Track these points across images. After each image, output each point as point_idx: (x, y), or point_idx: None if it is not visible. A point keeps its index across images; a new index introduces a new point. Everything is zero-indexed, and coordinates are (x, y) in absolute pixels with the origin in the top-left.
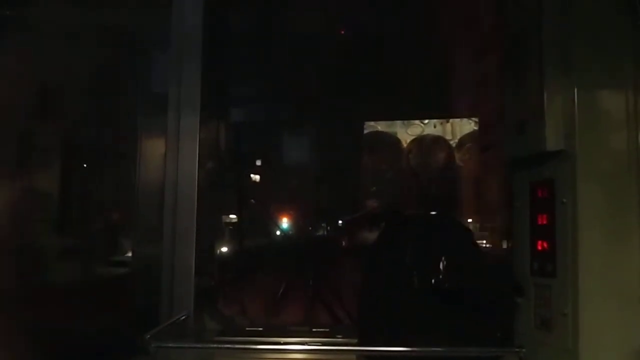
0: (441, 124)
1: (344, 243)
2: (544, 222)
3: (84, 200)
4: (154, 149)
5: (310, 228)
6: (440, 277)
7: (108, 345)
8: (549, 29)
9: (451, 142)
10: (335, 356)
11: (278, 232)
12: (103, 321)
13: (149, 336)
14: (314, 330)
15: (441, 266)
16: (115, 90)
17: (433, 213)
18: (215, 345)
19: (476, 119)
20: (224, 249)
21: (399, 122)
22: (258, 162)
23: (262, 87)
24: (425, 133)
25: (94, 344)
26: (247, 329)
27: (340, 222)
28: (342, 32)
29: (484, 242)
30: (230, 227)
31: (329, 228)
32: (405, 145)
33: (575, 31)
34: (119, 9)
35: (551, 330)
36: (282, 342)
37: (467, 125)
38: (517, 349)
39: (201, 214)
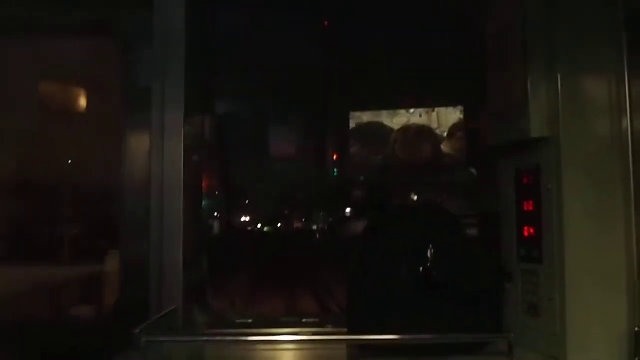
0: (427, 113)
1: (332, 234)
2: (530, 208)
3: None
4: (139, 144)
5: (297, 219)
6: (429, 264)
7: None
8: (532, 16)
9: (437, 131)
10: (325, 346)
11: (266, 224)
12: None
13: (138, 330)
14: (303, 320)
15: (429, 254)
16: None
17: (420, 201)
18: (205, 338)
19: (462, 108)
20: (212, 243)
21: (384, 112)
22: (244, 155)
23: (247, 79)
24: (411, 122)
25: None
26: (237, 321)
27: (328, 212)
28: (326, 23)
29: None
30: (218, 220)
31: (317, 219)
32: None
33: (558, 18)
34: (100, 3)
35: (539, 316)
36: (272, 333)
37: (452, 115)
38: (506, 335)
39: (188, 208)
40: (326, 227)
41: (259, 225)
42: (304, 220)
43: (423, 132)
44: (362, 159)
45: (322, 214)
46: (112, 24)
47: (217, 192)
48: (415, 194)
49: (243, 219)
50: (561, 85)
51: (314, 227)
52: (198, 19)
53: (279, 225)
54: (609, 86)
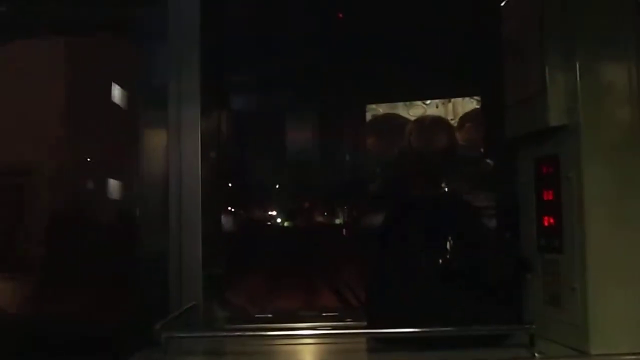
0: (443, 104)
1: (350, 227)
2: (550, 197)
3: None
4: (156, 141)
5: (315, 213)
6: (448, 256)
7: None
8: (550, 3)
9: (452, 122)
10: (345, 339)
11: (284, 218)
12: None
13: (158, 327)
14: (323, 315)
15: (448, 246)
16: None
17: (437, 192)
18: (225, 334)
19: (478, 98)
20: (232, 238)
21: (400, 104)
22: (261, 150)
23: (262, 74)
24: (427, 114)
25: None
26: (256, 316)
27: (345, 205)
28: (341, 15)
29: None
30: (237, 216)
31: (335, 212)
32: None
33: (576, 5)
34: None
35: (560, 306)
36: (291, 327)
37: (469, 104)
38: (527, 326)
39: (206, 204)
40: (344, 220)
41: (277, 220)
42: (322, 213)
43: (438, 123)
44: (378, 151)
45: (339, 207)
46: (127, 21)
47: (234, 187)
48: (433, 185)
49: (261, 213)
50: (580, 73)
51: (333, 221)
52: (212, 14)
53: (297, 219)
54: (628, 73)
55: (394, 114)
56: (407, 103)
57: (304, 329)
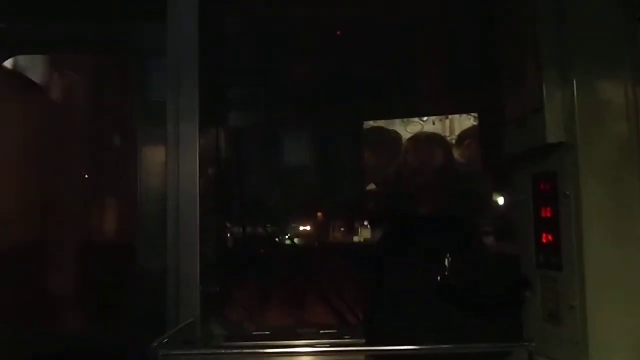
0: (440, 120)
1: (349, 244)
2: (548, 215)
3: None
4: (154, 157)
5: (313, 230)
6: (446, 274)
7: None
8: (546, 21)
9: (449, 139)
10: (343, 357)
11: (282, 235)
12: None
13: (156, 344)
14: (321, 332)
15: (446, 263)
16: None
17: (436, 211)
18: (223, 351)
19: (475, 115)
20: (229, 254)
21: (397, 121)
22: (259, 166)
23: (260, 91)
24: (424, 130)
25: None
26: (254, 333)
27: (343, 223)
28: (339, 33)
29: (489, 237)
30: (234, 232)
31: (333, 230)
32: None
33: (573, 23)
34: (113, 20)
35: (560, 324)
36: (290, 344)
37: (466, 121)
38: (527, 343)
39: (204, 220)
40: (342, 238)
41: (276, 237)
42: (320, 231)
43: (433, 140)
44: (376, 169)
45: (337, 224)
46: (126, 38)
47: (233, 204)
48: (431, 203)
49: (259, 230)
50: (577, 91)
51: (330, 238)
52: (211, 31)
53: (295, 236)
54: (625, 90)
55: (391, 130)
56: (405, 120)
57: (303, 347)
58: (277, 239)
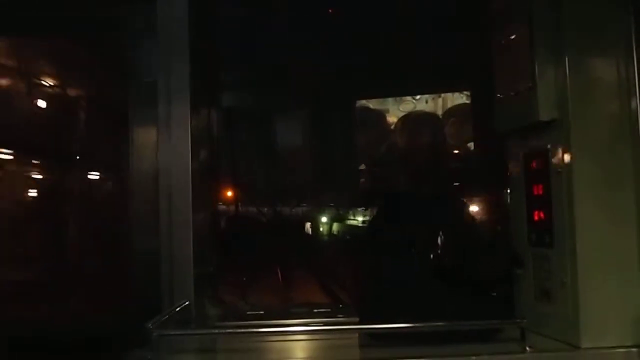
0: (433, 99)
1: (342, 224)
2: (540, 192)
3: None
4: (146, 138)
5: (306, 210)
6: (439, 251)
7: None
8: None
9: (442, 117)
10: (337, 335)
11: (274, 216)
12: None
13: (150, 325)
14: (315, 311)
15: (439, 241)
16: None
17: (427, 188)
18: (217, 331)
19: (468, 93)
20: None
21: (390, 100)
22: (251, 147)
23: (252, 71)
24: (417, 109)
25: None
26: (248, 313)
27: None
28: (330, 10)
29: (481, 214)
30: (227, 213)
31: (326, 210)
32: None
33: (565, 1)
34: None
35: (551, 301)
36: (283, 324)
37: (459, 100)
38: (519, 320)
39: (197, 201)
40: (335, 218)
41: (268, 217)
42: (313, 211)
43: (424, 119)
44: (368, 148)
45: (330, 204)
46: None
47: (225, 185)
48: (422, 182)
49: (252, 210)
50: (569, 68)
51: (324, 219)
52: (201, 11)
53: (288, 216)
54: (617, 67)
55: (383, 109)
56: (397, 99)
57: (296, 326)
58: (269, 219)
